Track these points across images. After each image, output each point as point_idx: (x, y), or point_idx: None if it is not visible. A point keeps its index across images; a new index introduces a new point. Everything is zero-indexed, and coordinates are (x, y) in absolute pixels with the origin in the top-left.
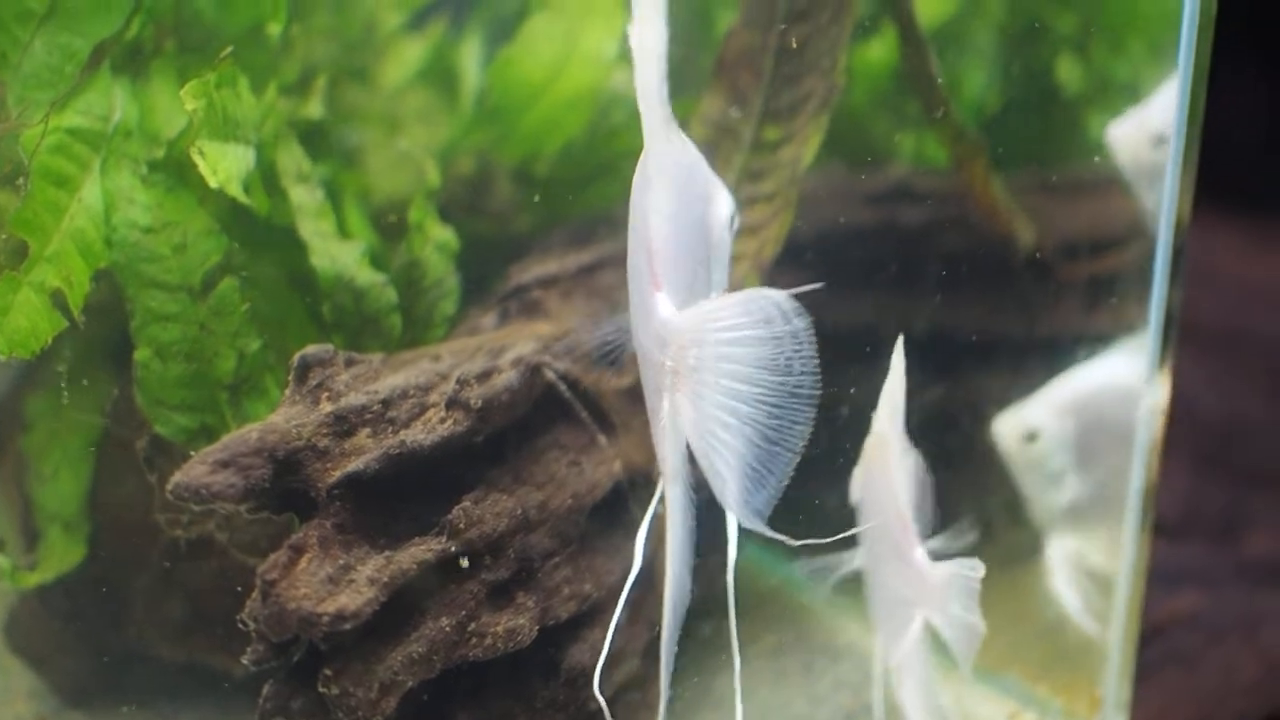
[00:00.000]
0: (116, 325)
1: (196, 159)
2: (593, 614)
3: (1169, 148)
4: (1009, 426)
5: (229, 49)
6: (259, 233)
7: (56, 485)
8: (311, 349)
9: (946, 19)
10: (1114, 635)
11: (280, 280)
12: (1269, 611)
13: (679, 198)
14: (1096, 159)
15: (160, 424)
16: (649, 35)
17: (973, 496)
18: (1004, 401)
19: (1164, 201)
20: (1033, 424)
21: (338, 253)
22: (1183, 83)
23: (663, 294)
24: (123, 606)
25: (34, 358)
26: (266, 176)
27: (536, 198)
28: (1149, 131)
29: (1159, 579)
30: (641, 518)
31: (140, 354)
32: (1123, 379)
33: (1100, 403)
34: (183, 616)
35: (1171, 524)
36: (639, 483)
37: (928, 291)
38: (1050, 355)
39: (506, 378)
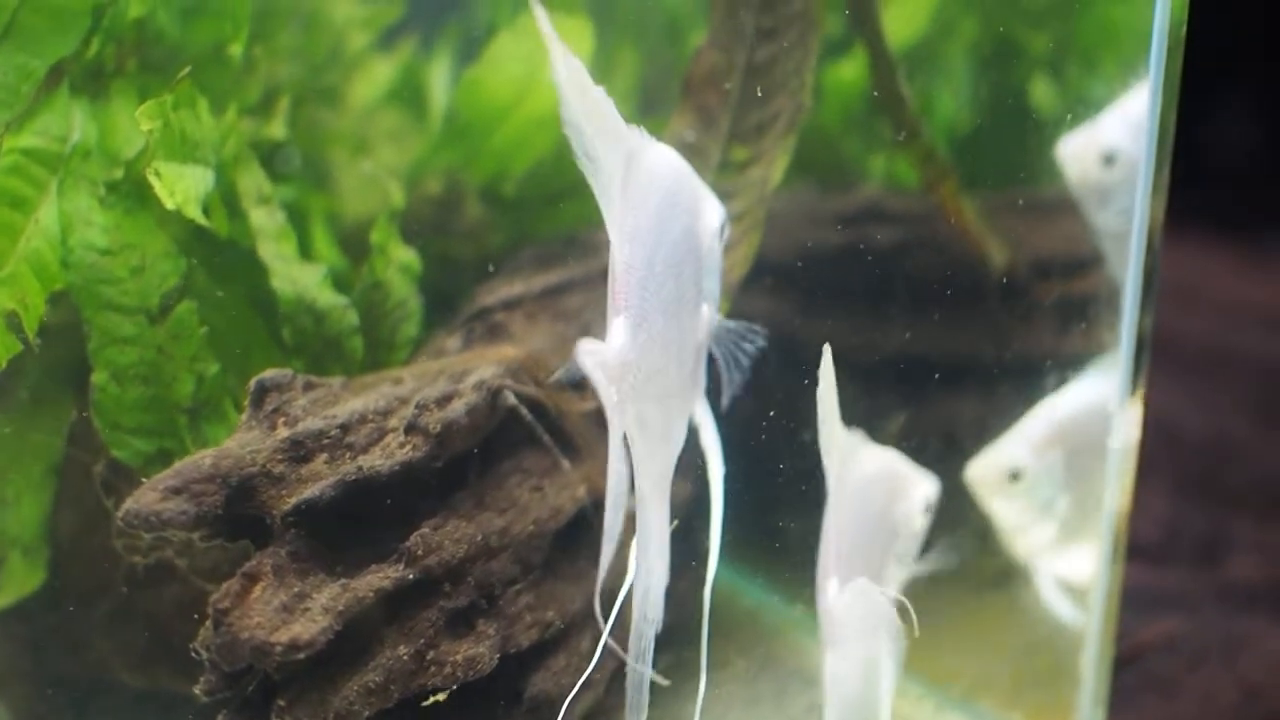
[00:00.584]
0: (78, 347)
1: (153, 180)
2: (556, 642)
3: (1119, 166)
4: (987, 472)
5: (187, 69)
6: (220, 254)
7: (18, 510)
8: (269, 373)
9: (918, 39)
10: (1088, 660)
11: (242, 302)
12: (1249, 637)
13: (657, 214)
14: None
15: (117, 448)
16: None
17: (945, 521)
18: (974, 425)
19: (1135, 222)
20: (1014, 464)
21: (298, 275)
22: (1153, 101)
23: (620, 319)
24: (83, 632)
25: None
26: (228, 198)
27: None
28: (1098, 148)
29: (1138, 603)
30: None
31: (97, 377)
32: (1104, 398)
33: (1085, 426)
34: (143, 643)
35: (1152, 547)
36: (604, 507)
37: (898, 313)
38: (1023, 377)
39: (466, 402)
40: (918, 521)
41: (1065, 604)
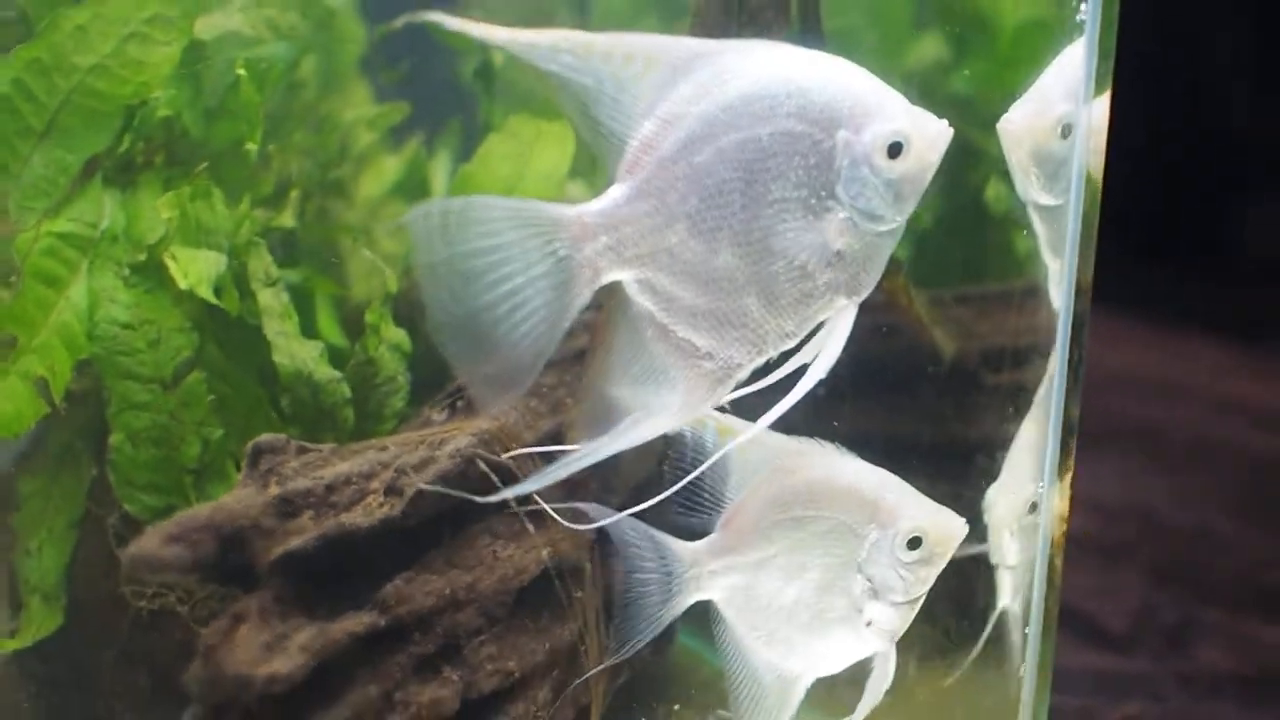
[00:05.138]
0: (99, 411)
1: (170, 263)
2: (514, 689)
3: (1071, 136)
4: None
5: (204, 165)
6: (231, 330)
7: (40, 560)
8: (265, 438)
9: None
10: None
11: (249, 373)
12: None
13: (722, 109)
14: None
15: (129, 503)
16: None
17: None
18: None
19: (1061, 311)
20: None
21: (298, 351)
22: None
23: (615, 187)
24: (92, 675)
25: (28, 441)
26: (239, 279)
27: None
28: (1055, 118)
29: (1105, 688)
30: (568, 599)
31: (115, 438)
32: None
33: None
34: (146, 686)
35: (1120, 635)
36: (566, 569)
37: (852, 396)
38: (967, 462)
39: (440, 468)
40: None
41: None
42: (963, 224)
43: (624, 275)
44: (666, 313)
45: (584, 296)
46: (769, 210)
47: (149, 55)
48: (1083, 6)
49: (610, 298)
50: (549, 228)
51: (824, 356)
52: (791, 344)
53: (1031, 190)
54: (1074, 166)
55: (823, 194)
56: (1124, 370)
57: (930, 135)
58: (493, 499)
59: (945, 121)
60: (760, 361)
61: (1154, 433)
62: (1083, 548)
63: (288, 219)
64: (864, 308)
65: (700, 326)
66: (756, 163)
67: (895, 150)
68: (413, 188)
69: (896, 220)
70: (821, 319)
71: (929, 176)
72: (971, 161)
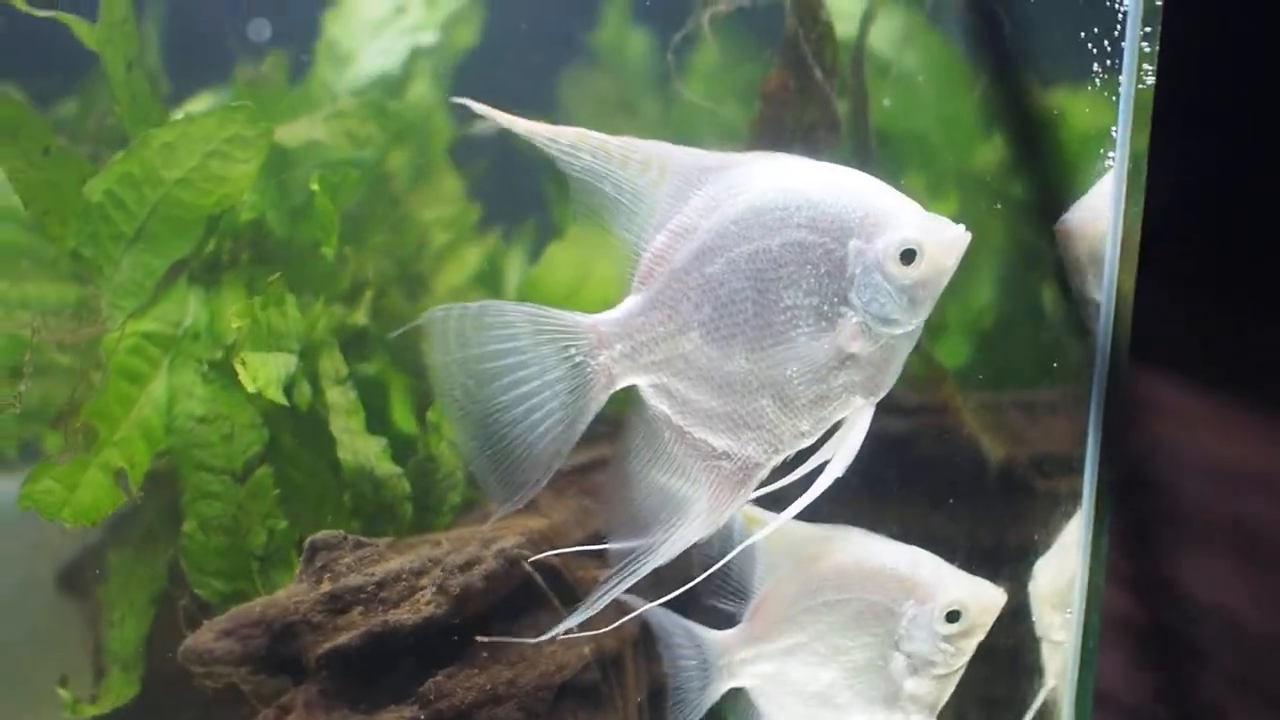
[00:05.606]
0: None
1: (239, 368)
2: None
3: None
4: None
5: (277, 274)
6: (303, 421)
7: (122, 631)
8: (321, 535)
9: None
10: None
11: (322, 462)
12: None
13: (734, 223)
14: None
15: (200, 587)
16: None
17: None
18: None
19: (1090, 419)
20: None
21: (361, 447)
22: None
23: (630, 297)
24: None
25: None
26: (312, 376)
27: None
28: (1108, 221)
29: None
30: (612, 695)
31: (188, 525)
32: None
33: None
34: None
35: None
36: (608, 664)
37: (901, 497)
38: (1015, 563)
39: (486, 568)
40: None
41: None
42: (1022, 326)
43: (640, 380)
44: (682, 415)
45: (600, 400)
46: (781, 317)
47: (229, 171)
48: (1110, 155)
49: (629, 402)
50: (565, 335)
51: (842, 454)
52: (808, 443)
53: (1087, 287)
54: (1105, 290)
55: (835, 300)
56: (1226, 461)
57: (945, 241)
58: (543, 640)
59: (962, 227)
60: (778, 461)
61: (1247, 530)
62: (1156, 646)
63: (360, 316)
64: (917, 410)
65: (716, 428)
66: (768, 272)
67: (908, 257)
68: (491, 278)
69: (912, 323)
70: (839, 418)
71: (945, 281)
72: (1031, 263)
